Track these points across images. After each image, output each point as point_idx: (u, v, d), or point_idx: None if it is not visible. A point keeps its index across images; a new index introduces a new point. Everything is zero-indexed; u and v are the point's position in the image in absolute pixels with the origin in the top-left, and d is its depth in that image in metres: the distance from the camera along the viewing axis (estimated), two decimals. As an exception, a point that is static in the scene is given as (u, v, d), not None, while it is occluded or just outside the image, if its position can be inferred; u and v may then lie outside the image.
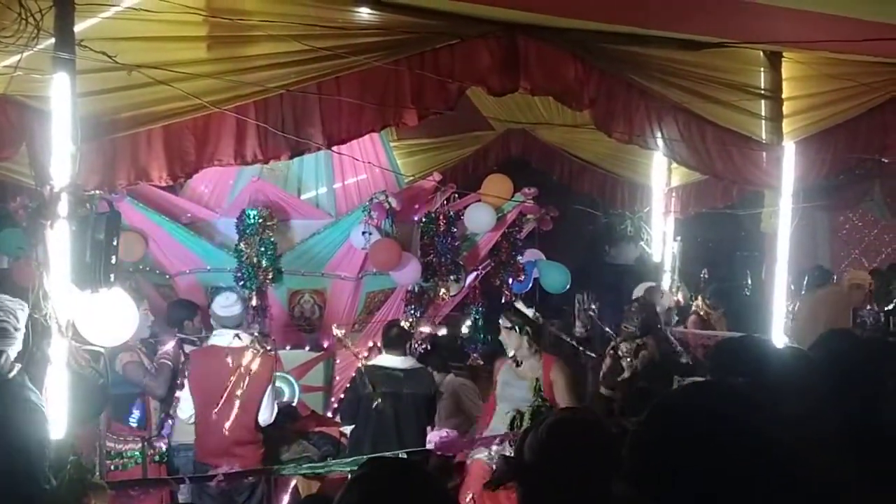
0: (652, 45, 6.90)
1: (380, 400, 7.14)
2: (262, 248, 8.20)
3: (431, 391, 7.63)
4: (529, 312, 7.13)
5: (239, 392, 6.84)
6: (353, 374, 7.82)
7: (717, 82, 7.30)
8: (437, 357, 9.05)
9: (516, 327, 7.04)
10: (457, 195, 9.57)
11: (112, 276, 5.05)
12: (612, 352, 7.89)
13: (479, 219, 9.27)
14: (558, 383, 6.88)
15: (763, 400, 1.94)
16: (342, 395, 8.63)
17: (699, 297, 11.07)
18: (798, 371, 3.30)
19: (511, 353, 7.09)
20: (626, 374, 7.73)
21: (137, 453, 7.30)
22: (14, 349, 4.64)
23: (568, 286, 10.39)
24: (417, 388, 7.41)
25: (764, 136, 7.54)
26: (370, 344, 8.66)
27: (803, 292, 10.53)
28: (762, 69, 7.47)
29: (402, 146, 10.66)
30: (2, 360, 4.58)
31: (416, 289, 8.86)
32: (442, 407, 8.20)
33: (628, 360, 7.75)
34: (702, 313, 10.81)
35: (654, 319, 8.42)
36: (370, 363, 7.59)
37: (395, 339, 7.56)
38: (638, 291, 9.16)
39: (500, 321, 7.21)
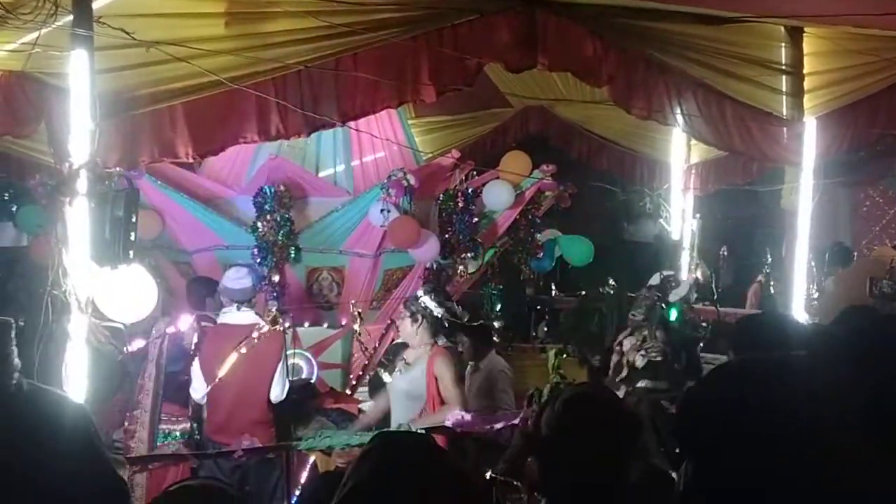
0: (671, 20, 6.84)
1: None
2: (279, 226, 8.21)
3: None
4: (458, 310, 7.10)
5: (247, 370, 6.86)
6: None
7: (738, 57, 7.24)
8: (479, 332, 8.77)
9: (413, 316, 7.00)
10: (475, 172, 9.55)
11: (131, 252, 5.07)
12: (617, 347, 7.77)
13: (498, 196, 9.24)
14: (444, 378, 6.84)
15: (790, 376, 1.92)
16: (360, 372, 8.68)
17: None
18: (819, 347, 3.29)
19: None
20: (623, 374, 7.59)
21: (181, 433, 7.34)
22: None
23: (591, 258, 10.35)
24: None
25: (785, 112, 7.49)
26: (388, 321, 8.66)
27: (825, 269, 10.45)
28: (783, 44, 7.40)
29: (420, 124, 10.63)
30: None
31: (435, 266, 8.85)
32: (474, 383, 8.04)
33: (639, 353, 7.59)
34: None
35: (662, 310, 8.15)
36: (397, 341, 7.62)
37: None
38: (654, 279, 8.99)
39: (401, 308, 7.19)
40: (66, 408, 3.75)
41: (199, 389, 7.05)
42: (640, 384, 7.49)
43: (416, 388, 6.96)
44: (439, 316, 7.06)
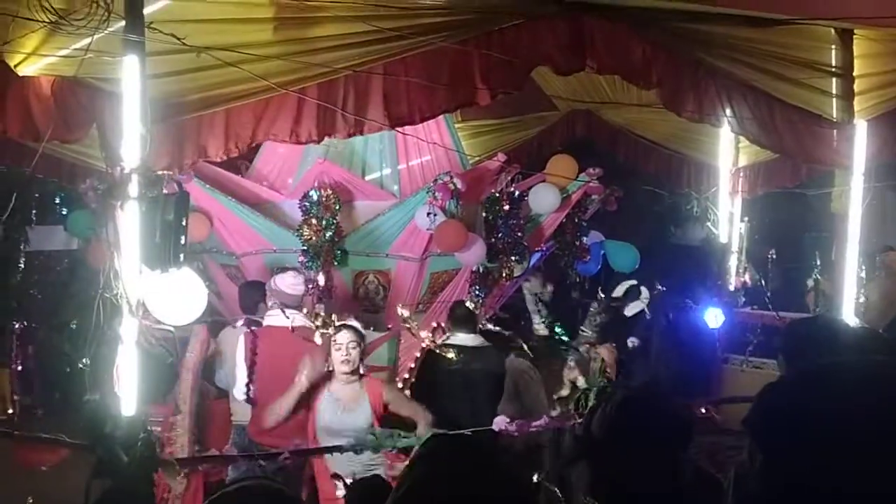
0: (719, 23, 6.80)
1: (454, 358, 7.12)
2: (325, 229, 8.24)
3: (501, 370, 7.62)
4: None
5: (293, 372, 6.87)
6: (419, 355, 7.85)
7: (787, 60, 7.19)
8: (497, 337, 8.85)
9: (360, 344, 6.56)
10: (521, 176, 9.53)
11: (181, 256, 5.11)
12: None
13: (544, 199, 9.20)
14: (395, 400, 6.67)
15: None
16: (405, 376, 8.68)
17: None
18: (872, 351, 3.25)
19: (346, 370, 6.46)
20: (563, 392, 7.31)
21: None
22: None
23: (637, 265, 10.30)
24: (487, 365, 7.43)
25: (835, 115, 7.41)
26: (434, 324, 8.66)
27: (876, 273, 10.34)
28: (833, 46, 7.32)
29: (467, 128, 10.64)
30: None
31: (481, 269, 8.84)
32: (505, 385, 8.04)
33: (576, 373, 7.22)
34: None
35: (618, 326, 7.74)
36: (441, 341, 7.61)
37: (464, 318, 7.60)
38: (618, 291, 8.43)
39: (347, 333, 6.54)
40: None
41: (242, 390, 7.09)
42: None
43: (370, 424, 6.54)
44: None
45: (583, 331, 7.45)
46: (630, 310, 7.19)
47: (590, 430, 3.00)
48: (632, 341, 8.87)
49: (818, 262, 11.35)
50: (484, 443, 5.39)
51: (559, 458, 4.19)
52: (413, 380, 8.28)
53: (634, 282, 7.57)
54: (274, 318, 7.24)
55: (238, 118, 5.94)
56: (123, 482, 4.82)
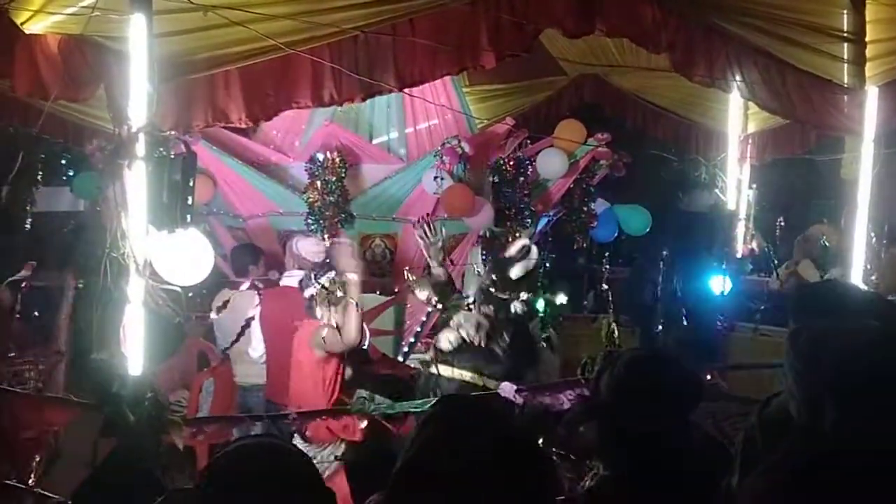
0: (731, -14, 6.76)
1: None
2: (330, 192, 8.22)
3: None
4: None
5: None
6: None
7: (799, 25, 7.11)
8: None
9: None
10: (529, 140, 9.49)
11: (188, 216, 5.10)
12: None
13: (551, 164, 9.15)
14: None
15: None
16: (412, 340, 8.68)
17: None
18: (884, 314, 3.23)
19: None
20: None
21: None
22: None
23: (648, 228, 10.26)
24: None
25: (846, 80, 7.36)
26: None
27: (885, 241, 10.29)
28: (845, 11, 7.24)
29: (475, 92, 10.57)
30: None
31: (488, 234, 8.83)
32: None
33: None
34: None
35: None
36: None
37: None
38: (511, 250, 7.53)
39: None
40: None
41: (257, 349, 7.12)
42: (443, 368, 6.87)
43: None
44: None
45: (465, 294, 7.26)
46: (515, 272, 6.91)
47: (598, 392, 3.00)
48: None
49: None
50: (494, 403, 5.38)
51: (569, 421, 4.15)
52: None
53: (528, 241, 7.26)
54: (289, 279, 7.24)
55: (257, 82, 5.92)
56: (130, 441, 4.84)
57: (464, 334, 6.76)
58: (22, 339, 8.07)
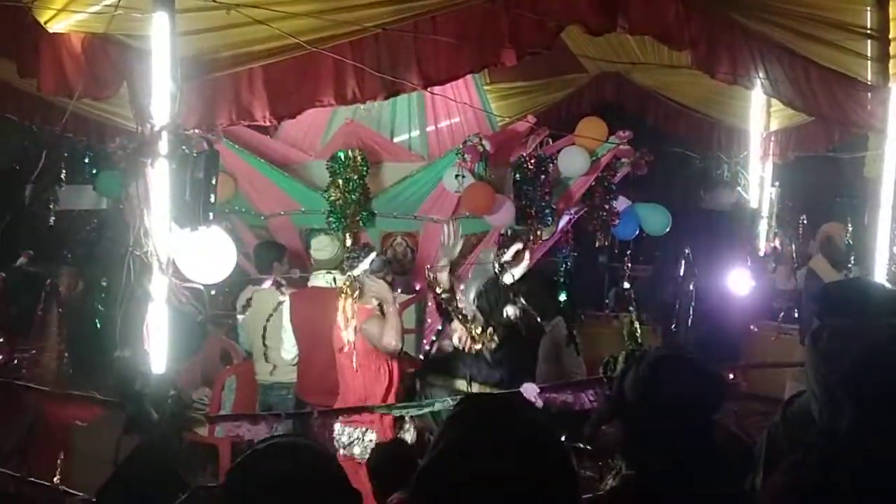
0: (754, -17, 6.71)
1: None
2: (353, 190, 8.22)
3: (538, 333, 7.54)
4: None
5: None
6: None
7: (822, 21, 7.05)
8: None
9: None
10: (550, 139, 9.47)
11: (211, 214, 5.10)
12: None
13: (573, 162, 9.12)
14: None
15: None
16: (433, 338, 8.67)
17: None
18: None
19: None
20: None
21: None
22: None
23: (669, 227, 10.23)
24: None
25: (870, 77, 7.29)
26: (461, 286, 8.64)
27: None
28: (868, 8, 7.18)
29: (496, 90, 10.58)
30: None
31: (509, 232, 8.81)
32: (542, 348, 7.88)
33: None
34: None
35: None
36: None
37: None
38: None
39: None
40: None
41: (290, 351, 7.13)
42: None
43: None
44: None
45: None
46: (507, 277, 6.95)
47: (622, 391, 2.98)
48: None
49: (850, 227, 11.30)
50: (517, 402, 5.35)
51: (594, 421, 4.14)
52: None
53: (521, 246, 7.24)
54: (317, 278, 7.24)
55: (280, 80, 5.93)
56: (153, 439, 4.85)
57: (455, 341, 6.83)
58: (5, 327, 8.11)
